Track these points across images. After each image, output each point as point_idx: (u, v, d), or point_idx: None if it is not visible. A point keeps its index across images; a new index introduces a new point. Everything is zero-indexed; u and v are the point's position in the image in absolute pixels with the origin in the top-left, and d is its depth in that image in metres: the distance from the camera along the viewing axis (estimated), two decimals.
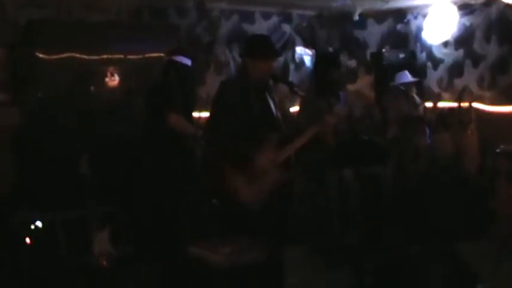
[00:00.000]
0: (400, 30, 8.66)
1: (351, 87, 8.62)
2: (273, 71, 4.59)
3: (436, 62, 8.23)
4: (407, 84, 7.17)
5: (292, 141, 4.46)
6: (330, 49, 8.56)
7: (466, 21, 7.76)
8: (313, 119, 4.68)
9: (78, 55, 6.00)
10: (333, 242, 5.75)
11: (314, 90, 5.84)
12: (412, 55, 8.44)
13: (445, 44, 8.07)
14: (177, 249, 4.63)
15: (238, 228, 4.26)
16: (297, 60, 8.31)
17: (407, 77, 7.17)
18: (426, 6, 8.04)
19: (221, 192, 4.36)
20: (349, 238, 5.59)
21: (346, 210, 5.70)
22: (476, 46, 7.70)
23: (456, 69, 7.98)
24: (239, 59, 5.55)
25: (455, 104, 7.38)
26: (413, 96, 7.22)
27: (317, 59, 7.68)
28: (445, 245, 4.44)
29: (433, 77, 8.27)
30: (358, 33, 8.80)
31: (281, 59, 8.00)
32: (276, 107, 4.58)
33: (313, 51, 8.37)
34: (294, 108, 7.79)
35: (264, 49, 4.44)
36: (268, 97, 4.52)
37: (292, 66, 8.27)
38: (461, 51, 7.90)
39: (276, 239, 4.32)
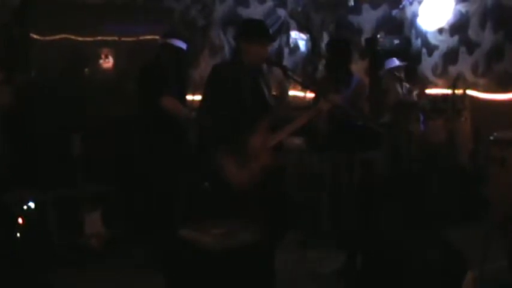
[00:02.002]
0: (395, 16, 8.64)
1: None
2: (267, 56, 4.58)
3: (430, 49, 8.23)
4: (398, 69, 7.18)
5: (285, 126, 4.46)
6: (325, 34, 8.56)
7: (462, 8, 7.76)
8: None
9: (72, 36, 5.99)
10: (325, 226, 5.78)
11: (325, 77, 5.86)
12: (407, 41, 8.43)
13: (440, 30, 8.06)
14: (168, 231, 4.65)
15: (229, 210, 4.27)
16: (292, 44, 8.31)
17: (394, 62, 7.19)
18: None
19: (213, 174, 4.36)
20: (342, 222, 5.61)
21: (339, 195, 5.71)
22: (471, 33, 7.70)
23: (451, 56, 7.98)
24: (233, 43, 5.52)
25: (449, 91, 7.39)
26: (405, 83, 7.22)
27: (327, 45, 7.64)
28: (436, 230, 4.46)
29: (427, 64, 8.27)
30: (353, 19, 8.78)
31: (276, 43, 8.01)
32: (269, 92, 4.58)
33: (308, 35, 8.37)
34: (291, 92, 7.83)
35: (258, 33, 4.43)
36: (262, 81, 4.52)
37: (286, 51, 8.27)
38: (456, 38, 7.89)
39: (267, 222, 4.33)
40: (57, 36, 5.93)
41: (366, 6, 8.73)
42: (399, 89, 7.17)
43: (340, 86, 5.34)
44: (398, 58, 7.31)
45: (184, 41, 5.48)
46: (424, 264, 3.91)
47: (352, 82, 5.58)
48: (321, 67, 8.11)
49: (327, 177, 5.73)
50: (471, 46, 7.70)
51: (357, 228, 5.20)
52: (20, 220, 5.36)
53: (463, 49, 7.82)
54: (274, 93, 6.97)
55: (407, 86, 7.24)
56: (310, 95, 7.04)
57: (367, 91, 5.94)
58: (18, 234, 5.33)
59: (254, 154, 4.24)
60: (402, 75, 7.17)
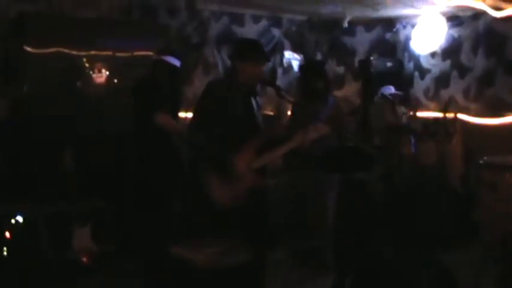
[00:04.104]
0: (389, 39, 8.71)
1: (337, 93, 8.66)
2: (262, 76, 4.60)
3: (423, 72, 8.29)
4: (393, 95, 7.22)
5: (274, 148, 4.45)
6: (319, 54, 8.59)
7: (454, 32, 7.83)
8: (300, 125, 4.68)
9: (66, 50, 5.96)
10: (316, 246, 5.77)
11: (301, 97, 5.88)
12: (400, 64, 8.49)
13: (433, 54, 8.12)
14: (159, 248, 4.62)
15: (221, 228, 4.26)
16: (285, 64, 8.32)
17: (391, 89, 7.23)
18: (415, 16, 8.08)
19: (202, 192, 4.35)
20: (334, 242, 5.61)
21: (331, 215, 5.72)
22: (464, 58, 7.77)
23: (443, 80, 8.04)
24: (228, 61, 5.51)
25: (440, 114, 7.44)
26: (398, 105, 7.26)
27: (302, 68, 7.62)
28: (427, 253, 4.46)
29: (419, 87, 8.33)
30: (347, 40, 8.84)
31: (269, 63, 8.02)
32: (259, 112, 4.60)
33: (302, 56, 8.40)
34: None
35: (254, 53, 4.46)
36: (253, 102, 4.54)
37: (280, 70, 8.29)
38: (448, 62, 7.96)
39: (258, 241, 4.32)
40: (52, 50, 5.90)
41: (360, 28, 8.80)
42: (390, 112, 7.20)
43: (318, 107, 5.38)
44: (394, 86, 7.36)
45: (178, 58, 5.49)
46: (416, 285, 3.91)
47: (328, 103, 5.62)
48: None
49: (318, 198, 5.73)
50: (463, 70, 7.77)
51: (348, 249, 5.19)
52: (7, 234, 5.32)
53: (455, 73, 7.89)
54: (271, 112, 7.01)
55: (399, 108, 7.28)
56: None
57: (343, 111, 6.01)
58: (5, 249, 5.29)
59: (239, 174, 4.24)
60: (397, 99, 7.21)
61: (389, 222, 5.93)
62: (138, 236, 5.39)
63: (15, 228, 5.37)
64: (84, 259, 5.44)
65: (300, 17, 8.45)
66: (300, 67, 7.49)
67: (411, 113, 7.72)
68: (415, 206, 6.22)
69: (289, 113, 6.45)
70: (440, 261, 4.01)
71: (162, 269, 4.63)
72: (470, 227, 6.14)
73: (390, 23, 8.61)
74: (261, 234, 4.55)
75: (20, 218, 5.39)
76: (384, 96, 7.25)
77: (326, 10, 7.75)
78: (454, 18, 7.79)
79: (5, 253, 5.27)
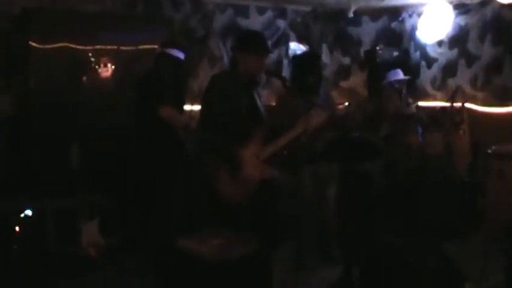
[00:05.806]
0: (395, 28, 8.66)
1: (344, 84, 8.65)
2: (264, 67, 4.60)
3: (430, 61, 8.24)
4: (400, 82, 7.17)
5: (278, 138, 4.45)
6: (324, 46, 8.58)
7: (461, 20, 7.77)
8: (289, 117, 4.66)
9: (72, 45, 5.97)
10: (321, 237, 5.77)
11: (291, 90, 5.86)
12: (406, 53, 8.44)
13: (440, 43, 8.07)
14: (166, 241, 4.64)
15: (226, 221, 4.27)
16: (291, 55, 8.31)
17: (399, 75, 7.17)
18: (421, 4, 8.04)
19: (208, 185, 4.35)
20: (338, 235, 5.61)
21: (336, 206, 5.71)
22: (471, 46, 7.71)
23: (450, 69, 7.99)
24: (231, 53, 5.45)
25: (448, 104, 7.39)
26: (405, 95, 7.22)
27: (293, 63, 7.58)
28: (434, 242, 4.45)
29: (426, 76, 8.28)
30: (353, 30, 8.81)
31: (275, 54, 8.02)
32: (262, 103, 4.60)
33: (307, 47, 8.38)
34: None
35: (256, 45, 4.46)
36: (255, 93, 4.54)
37: (285, 62, 8.28)
38: (455, 51, 7.91)
39: (263, 233, 4.32)
40: (57, 45, 5.91)
41: (365, 18, 8.76)
42: (397, 101, 7.16)
43: (311, 98, 5.36)
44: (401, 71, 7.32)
45: (182, 50, 5.48)
46: (421, 276, 3.91)
47: (320, 93, 5.61)
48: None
49: (321, 189, 5.73)
50: (470, 59, 7.72)
51: (353, 240, 5.19)
52: (17, 228, 5.35)
53: (462, 62, 7.83)
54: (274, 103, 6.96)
55: (407, 98, 7.24)
56: None
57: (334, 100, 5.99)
58: (15, 243, 5.31)
59: (248, 167, 4.23)
60: (404, 89, 7.16)
61: (394, 213, 5.92)
62: (145, 229, 5.40)
63: (25, 223, 5.40)
64: (92, 252, 5.47)
65: (305, 8, 8.44)
66: (293, 60, 7.45)
67: (418, 102, 7.68)
68: (420, 197, 6.20)
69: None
70: (446, 252, 4.01)
71: (168, 261, 4.64)
72: (477, 217, 6.12)
73: (396, 12, 8.56)
74: (270, 226, 4.55)
75: (29, 212, 5.41)
76: (390, 84, 7.20)
77: (331, 0, 7.73)
78: (461, 6, 7.74)
79: (14, 247, 5.31)
